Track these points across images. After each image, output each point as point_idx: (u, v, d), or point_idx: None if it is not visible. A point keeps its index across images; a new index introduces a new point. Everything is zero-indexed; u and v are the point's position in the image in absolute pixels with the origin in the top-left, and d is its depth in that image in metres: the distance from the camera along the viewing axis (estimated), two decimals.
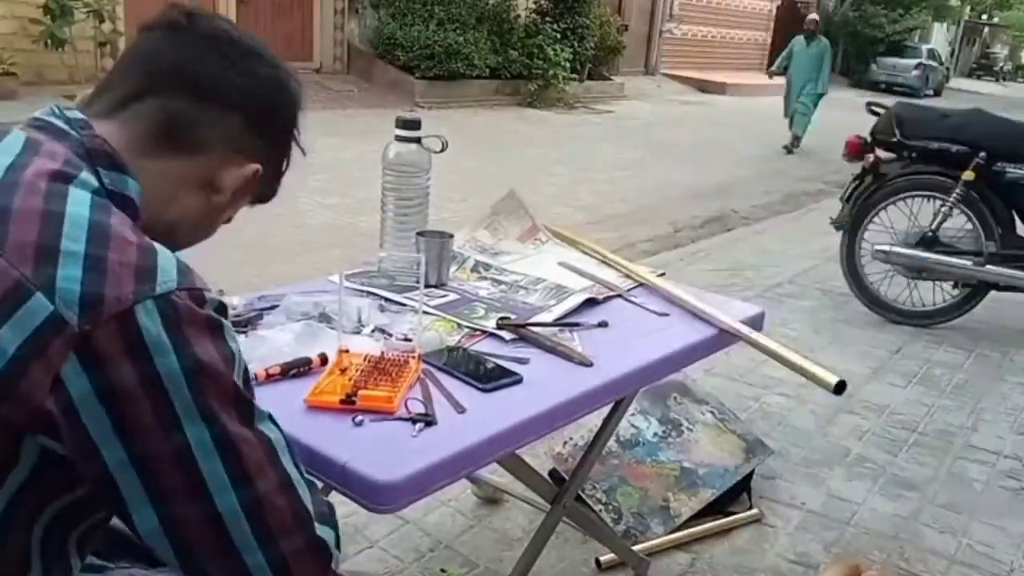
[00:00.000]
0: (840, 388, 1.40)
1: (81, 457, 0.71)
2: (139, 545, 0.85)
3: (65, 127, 0.81)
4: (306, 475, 0.83)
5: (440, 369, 1.27)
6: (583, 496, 1.99)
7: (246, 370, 0.79)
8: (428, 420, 1.11)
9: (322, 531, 0.82)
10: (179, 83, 0.85)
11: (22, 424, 0.70)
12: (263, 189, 0.96)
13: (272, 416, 0.81)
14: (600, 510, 2.01)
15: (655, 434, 2.21)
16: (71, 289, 0.69)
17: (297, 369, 1.20)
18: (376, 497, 1.00)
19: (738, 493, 2.19)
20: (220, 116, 0.87)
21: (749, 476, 2.21)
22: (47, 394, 0.68)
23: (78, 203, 0.74)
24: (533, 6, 12.54)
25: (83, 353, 0.68)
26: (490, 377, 1.25)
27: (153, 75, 0.85)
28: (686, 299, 1.60)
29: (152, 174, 0.84)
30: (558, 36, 11.99)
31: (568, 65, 11.93)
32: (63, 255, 0.70)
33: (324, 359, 1.23)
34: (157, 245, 0.77)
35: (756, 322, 1.65)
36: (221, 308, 0.78)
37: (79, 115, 0.83)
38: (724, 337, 1.55)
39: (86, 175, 0.77)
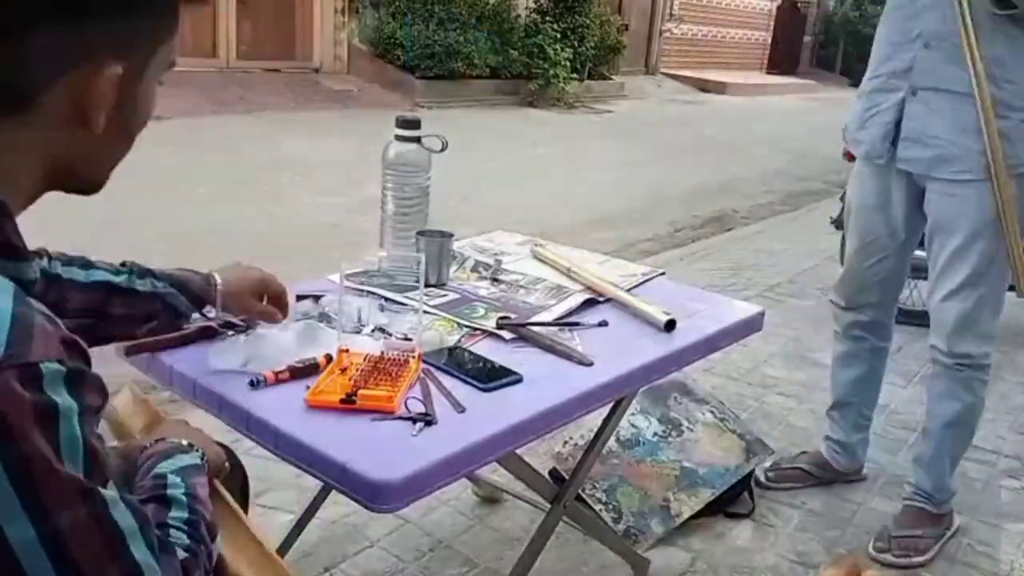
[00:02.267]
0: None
1: None
2: None
3: None
4: (167, 543, 0.75)
5: (440, 369, 1.27)
6: (583, 496, 1.99)
7: (91, 451, 0.66)
8: (428, 420, 1.12)
9: None
10: None
11: None
12: (157, 52, 0.76)
13: (125, 498, 0.70)
14: (600, 510, 2.01)
15: (655, 434, 2.20)
16: None
17: (305, 371, 1.20)
18: (376, 497, 1.00)
19: (739, 493, 2.19)
20: (19, 47, 0.66)
21: (750, 475, 2.21)
22: None
23: None
24: (533, 5, 12.52)
25: None
26: (490, 376, 1.25)
27: None
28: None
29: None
30: (558, 36, 11.97)
31: (568, 65, 11.91)
32: None
33: (331, 360, 1.23)
34: None
35: (756, 322, 1.66)
36: (72, 376, 0.65)
37: None
38: (724, 337, 1.56)
39: None
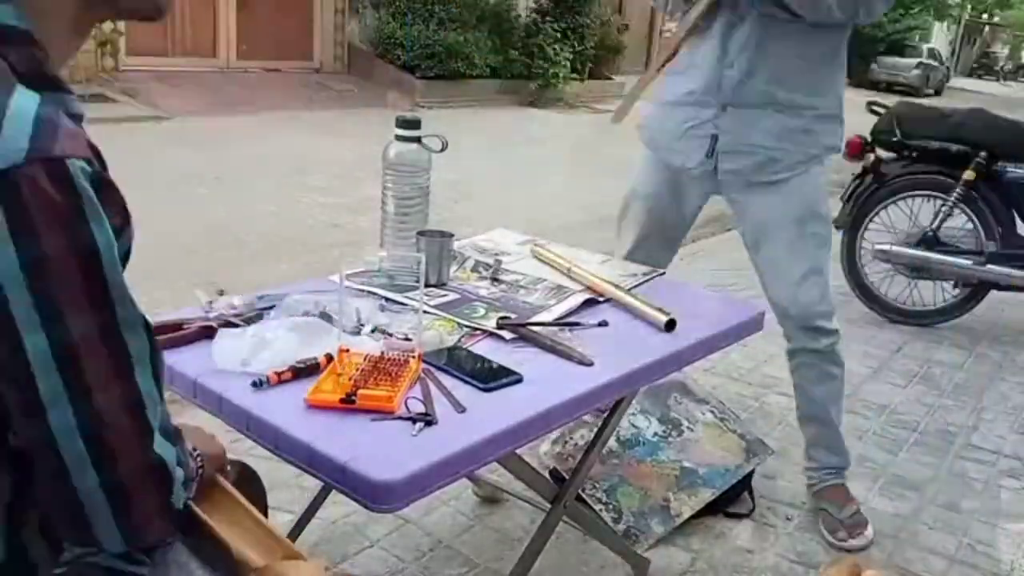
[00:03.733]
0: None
1: None
2: None
3: None
4: (156, 386, 0.73)
5: (440, 369, 1.27)
6: (583, 496, 1.99)
7: (114, 263, 0.66)
8: (428, 420, 1.12)
9: (161, 448, 0.72)
10: None
11: None
12: None
13: (147, 322, 0.70)
14: (600, 510, 2.01)
15: (655, 434, 2.20)
16: None
17: (306, 371, 1.20)
18: (376, 497, 1.00)
19: (739, 492, 2.18)
20: None
21: (750, 475, 2.21)
22: None
23: None
24: (533, 5, 12.52)
25: None
26: (490, 376, 1.25)
27: None
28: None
29: None
30: (559, 36, 11.98)
31: (569, 65, 11.93)
32: None
33: (331, 359, 1.23)
34: (13, 99, 0.61)
35: (756, 322, 1.66)
36: (97, 178, 0.64)
37: None
38: (724, 337, 1.56)
39: None
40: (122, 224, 0.68)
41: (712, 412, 2.31)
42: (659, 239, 2.18)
